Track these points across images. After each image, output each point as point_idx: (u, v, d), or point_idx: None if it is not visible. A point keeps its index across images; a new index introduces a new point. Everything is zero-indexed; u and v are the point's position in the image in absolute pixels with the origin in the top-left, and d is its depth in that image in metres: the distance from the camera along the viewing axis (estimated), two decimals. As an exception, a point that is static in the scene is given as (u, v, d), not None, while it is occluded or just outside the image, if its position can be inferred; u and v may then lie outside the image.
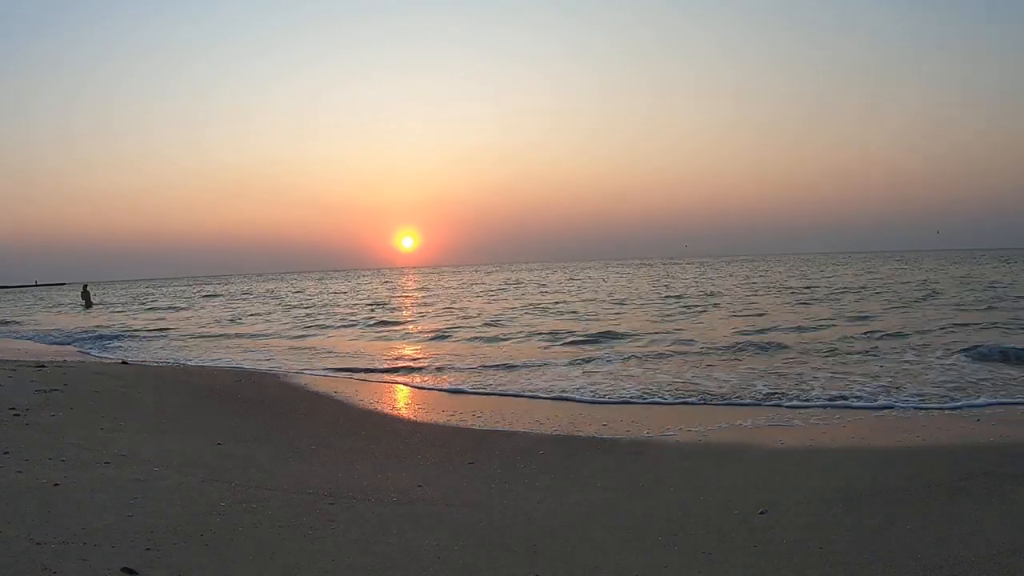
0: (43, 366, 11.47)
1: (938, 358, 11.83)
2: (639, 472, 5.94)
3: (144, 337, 21.73)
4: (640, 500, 5.18)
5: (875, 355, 12.44)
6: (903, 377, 10.24)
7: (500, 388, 10.71)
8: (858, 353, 12.76)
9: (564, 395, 9.90)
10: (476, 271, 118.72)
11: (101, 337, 21.77)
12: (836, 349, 13.33)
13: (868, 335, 15.11)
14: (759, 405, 8.72)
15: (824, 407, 8.48)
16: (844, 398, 8.89)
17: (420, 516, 4.71)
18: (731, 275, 54.55)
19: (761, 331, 16.57)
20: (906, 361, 11.71)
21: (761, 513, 4.69)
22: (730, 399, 9.14)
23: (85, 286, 45.91)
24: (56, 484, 4.84)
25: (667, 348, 14.47)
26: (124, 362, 14.23)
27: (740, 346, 14.19)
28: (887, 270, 53.17)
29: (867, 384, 9.75)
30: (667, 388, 10.00)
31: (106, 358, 15.95)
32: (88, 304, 42.13)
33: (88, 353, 17.38)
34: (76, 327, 26.28)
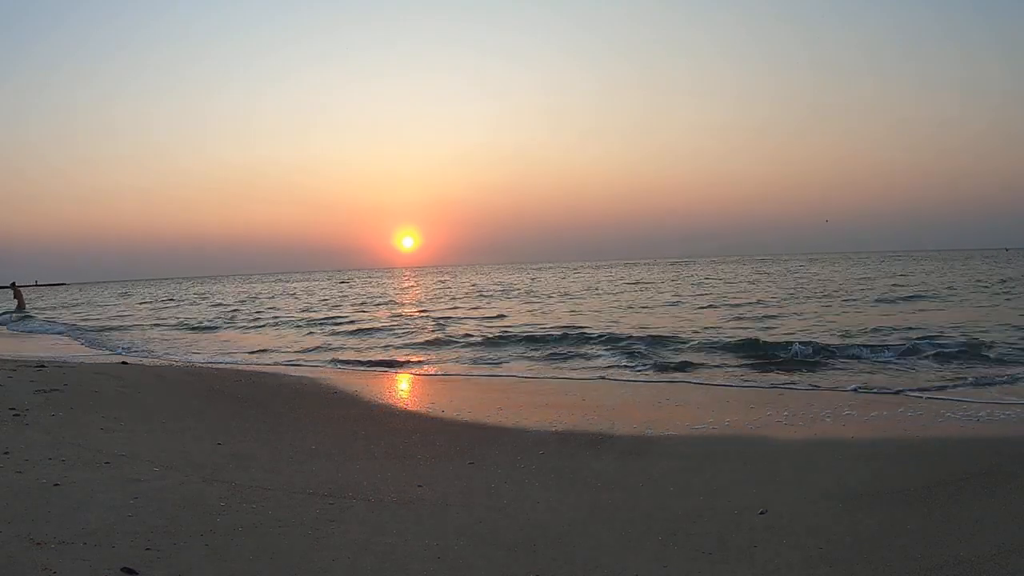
0: (43, 366, 11.47)
1: None
2: (639, 471, 5.93)
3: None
4: (640, 500, 5.18)
5: None
6: None
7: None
8: None
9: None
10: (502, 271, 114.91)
11: None
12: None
13: None
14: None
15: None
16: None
17: (420, 516, 4.71)
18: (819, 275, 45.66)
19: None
20: None
21: (761, 513, 4.69)
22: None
23: (13, 284, 38.60)
24: (56, 484, 4.84)
25: None
26: (124, 362, 14.24)
27: None
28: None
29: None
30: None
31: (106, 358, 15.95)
32: (21, 306, 35.65)
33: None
34: None
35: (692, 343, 14.63)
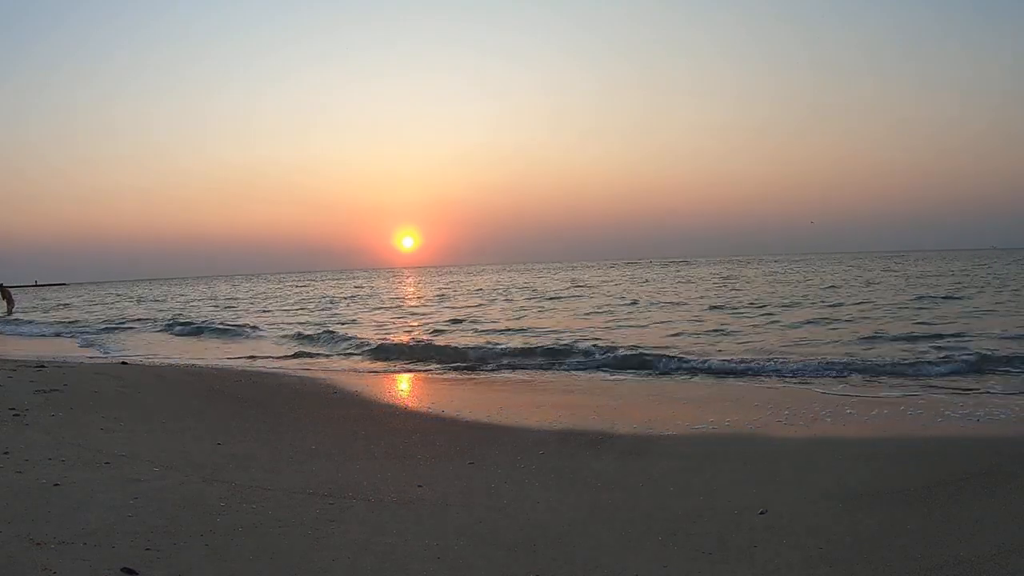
0: (43, 366, 11.48)
1: None
2: (639, 471, 5.93)
3: None
4: (640, 500, 5.18)
5: None
6: None
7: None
8: None
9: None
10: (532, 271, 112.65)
11: None
12: None
13: None
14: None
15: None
16: None
17: (420, 516, 4.71)
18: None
19: None
20: None
21: (761, 513, 4.69)
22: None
23: (1, 286, 37.71)
24: (56, 484, 4.85)
25: None
26: (124, 362, 14.24)
27: None
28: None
29: None
30: None
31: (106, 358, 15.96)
32: (10, 307, 34.80)
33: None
34: None
35: (690, 344, 14.61)
